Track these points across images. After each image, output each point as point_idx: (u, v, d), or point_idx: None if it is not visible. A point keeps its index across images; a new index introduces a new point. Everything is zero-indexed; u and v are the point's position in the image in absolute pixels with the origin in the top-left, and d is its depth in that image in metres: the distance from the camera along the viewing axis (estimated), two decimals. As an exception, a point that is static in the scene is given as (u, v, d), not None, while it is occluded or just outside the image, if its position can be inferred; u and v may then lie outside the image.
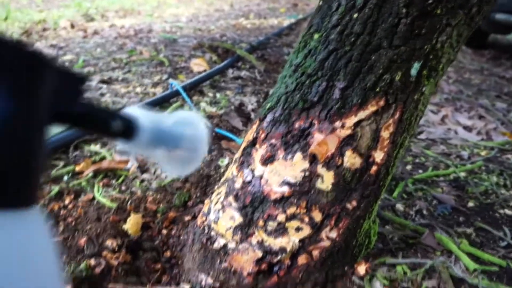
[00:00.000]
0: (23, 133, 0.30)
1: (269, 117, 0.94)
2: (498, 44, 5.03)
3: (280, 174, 0.90)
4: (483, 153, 1.84)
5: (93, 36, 3.66)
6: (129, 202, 1.19)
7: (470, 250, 1.10)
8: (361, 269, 0.99)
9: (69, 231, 1.05)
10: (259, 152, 0.93)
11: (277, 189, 0.90)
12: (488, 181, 1.54)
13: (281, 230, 0.90)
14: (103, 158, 1.43)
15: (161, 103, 1.98)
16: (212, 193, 1.05)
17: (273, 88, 0.98)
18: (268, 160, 0.91)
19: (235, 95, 2.27)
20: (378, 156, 0.89)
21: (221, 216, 0.96)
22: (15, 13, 4.18)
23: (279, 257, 0.90)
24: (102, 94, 2.17)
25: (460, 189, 1.47)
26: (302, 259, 0.91)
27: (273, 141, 0.91)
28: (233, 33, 4.12)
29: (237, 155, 1.00)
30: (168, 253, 1.03)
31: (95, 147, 1.51)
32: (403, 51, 0.82)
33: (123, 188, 1.30)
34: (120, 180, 1.33)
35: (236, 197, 0.94)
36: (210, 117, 1.85)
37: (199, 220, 1.02)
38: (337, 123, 0.86)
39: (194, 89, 2.26)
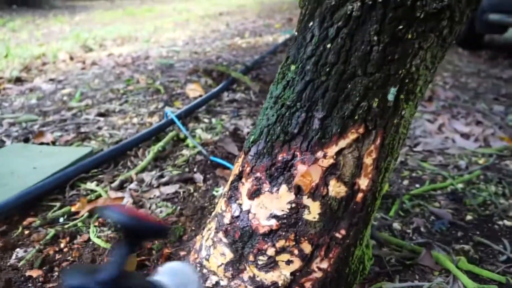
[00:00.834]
0: None
1: (253, 150, 0.94)
2: (495, 43, 5.01)
3: (267, 207, 0.90)
4: (481, 161, 1.82)
5: (91, 67, 3.72)
6: (124, 241, 1.18)
7: (468, 268, 1.09)
8: (358, 296, 0.98)
9: (65, 275, 1.05)
10: (246, 186, 0.93)
11: (265, 223, 0.90)
12: (486, 191, 1.52)
13: (271, 264, 0.89)
14: (99, 196, 1.44)
15: (157, 133, 2.00)
16: (203, 228, 1.05)
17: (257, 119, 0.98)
18: (254, 193, 0.92)
19: (230, 119, 2.28)
20: (363, 183, 0.88)
21: (212, 252, 0.96)
22: (16, 50, 4.26)
23: (271, 291, 0.89)
24: (99, 128, 2.19)
25: (458, 201, 1.45)
26: (295, 292, 0.90)
27: (258, 174, 0.92)
28: (229, 53, 4.16)
29: (226, 189, 1.00)
30: (164, 291, 1.03)
31: (91, 185, 1.52)
32: (378, 77, 0.82)
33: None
34: (116, 218, 1.33)
35: (226, 233, 0.94)
36: (205, 144, 1.86)
37: (191, 257, 1.02)
38: (319, 154, 0.86)
39: (189, 115, 2.28)
